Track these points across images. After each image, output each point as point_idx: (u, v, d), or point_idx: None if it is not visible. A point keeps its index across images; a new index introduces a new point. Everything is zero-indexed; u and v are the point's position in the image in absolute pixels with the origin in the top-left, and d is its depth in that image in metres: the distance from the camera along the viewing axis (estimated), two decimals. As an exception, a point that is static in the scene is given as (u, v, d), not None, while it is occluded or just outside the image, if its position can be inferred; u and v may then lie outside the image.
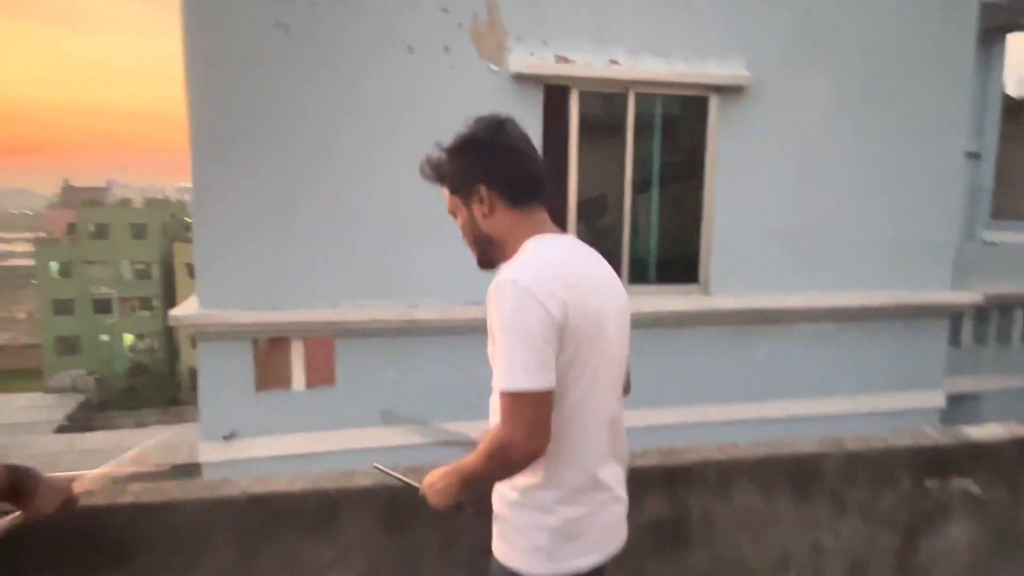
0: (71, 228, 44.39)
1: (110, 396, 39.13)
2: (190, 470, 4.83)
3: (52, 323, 42.89)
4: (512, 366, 1.32)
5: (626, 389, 1.62)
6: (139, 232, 44.33)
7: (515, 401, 1.32)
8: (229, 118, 4.47)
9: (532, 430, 1.33)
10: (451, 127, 1.55)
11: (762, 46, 5.13)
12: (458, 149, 1.50)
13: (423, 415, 1.85)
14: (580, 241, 1.53)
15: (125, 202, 52.00)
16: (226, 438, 4.70)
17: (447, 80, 4.65)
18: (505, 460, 1.37)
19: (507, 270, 1.38)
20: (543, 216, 1.51)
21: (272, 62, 4.47)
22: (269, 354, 4.74)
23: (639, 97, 5.04)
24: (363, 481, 1.90)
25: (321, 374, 4.83)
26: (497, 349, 1.35)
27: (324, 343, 4.81)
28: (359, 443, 4.66)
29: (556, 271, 1.38)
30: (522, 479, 1.44)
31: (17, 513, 1.44)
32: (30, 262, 49.85)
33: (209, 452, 4.70)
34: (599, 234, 5.36)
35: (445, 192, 1.56)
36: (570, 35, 4.83)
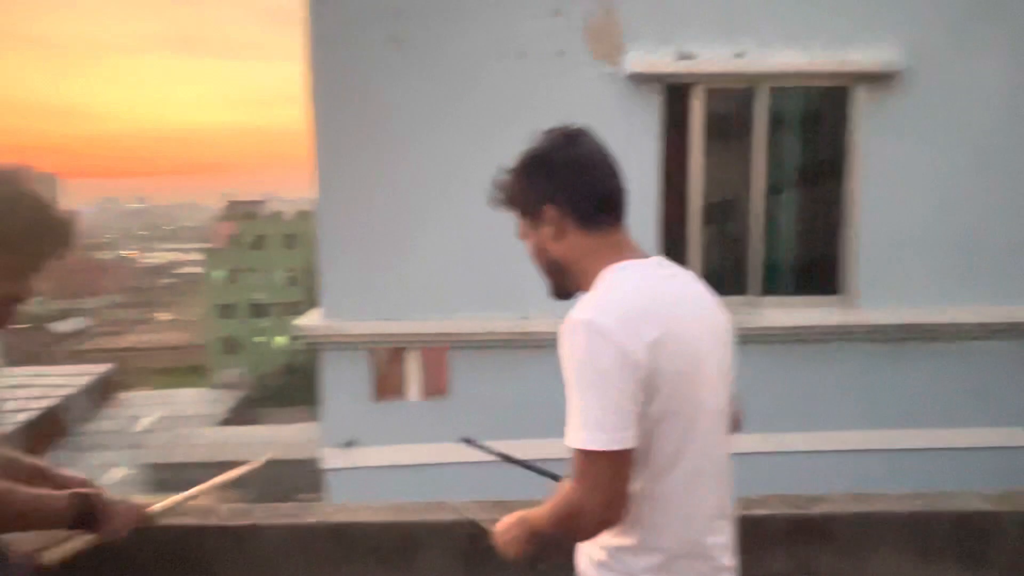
0: (233, 239, 48.83)
1: (266, 393, 42.54)
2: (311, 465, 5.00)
3: (216, 325, 47.36)
4: (585, 421, 1.13)
5: (736, 425, 1.38)
6: (291, 242, 47.97)
7: (588, 461, 1.14)
8: (349, 133, 4.58)
9: (606, 497, 1.14)
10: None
11: (919, 26, 4.54)
12: (523, 168, 1.34)
13: (509, 447, 1.68)
14: (667, 261, 1.32)
15: (278, 215, 56.45)
16: (346, 445, 4.82)
17: (561, 85, 4.49)
18: (575, 526, 1.19)
19: (581, 307, 1.20)
20: (622, 238, 1.32)
21: (387, 76, 4.53)
22: (386, 364, 4.80)
23: (771, 91, 4.62)
24: (446, 515, 1.78)
25: (435, 385, 4.83)
26: (569, 399, 1.17)
27: (438, 354, 4.80)
28: (470, 456, 4.60)
29: (641, 306, 1.17)
30: (612, 538, 1.25)
31: (89, 536, 1.44)
32: (199, 270, 55.41)
33: (331, 459, 4.84)
34: (727, 241, 4.97)
35: (517, 216, 1.40)
36: (692, 30, 4.51)
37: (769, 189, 4.76)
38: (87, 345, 52.62)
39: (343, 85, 4.57)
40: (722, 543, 1.28)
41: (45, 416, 27.51)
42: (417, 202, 4.65)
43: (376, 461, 4.74)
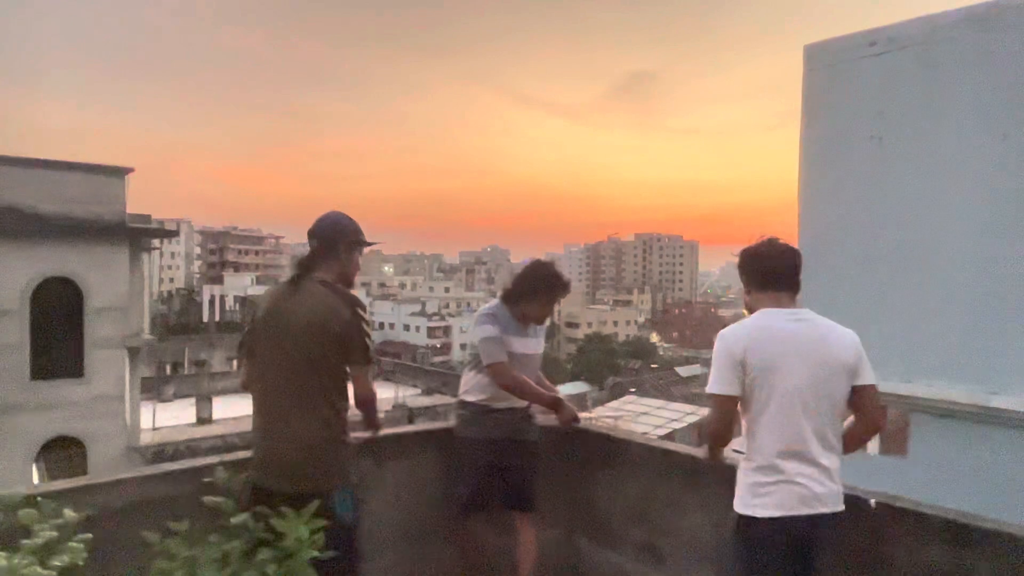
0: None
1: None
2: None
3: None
4: (712, 379, 2.25)
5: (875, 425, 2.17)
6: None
7: (712, 401, 2.25)
8: (829, 213, 5.50)
9: (714, 427, 2.23)
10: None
11: None
12: (739, 259, 2.47)
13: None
14: (808, 312, 2.25)
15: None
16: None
17: (1049, 162, 4.40)
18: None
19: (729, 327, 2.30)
20: (781, 296, 2.31)
21: (868, 167, 5.27)
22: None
23: None
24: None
25: (894, 444, 5.17)
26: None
27: (898, 416, 5.14)
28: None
29: (746, 329, 2.22)
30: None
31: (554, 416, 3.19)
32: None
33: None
34: None
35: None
36: None
37: None
38: (699, 390, 60.54)
39: (829, 174, 5.53)
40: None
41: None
42: (891, 275, 5.19)
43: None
